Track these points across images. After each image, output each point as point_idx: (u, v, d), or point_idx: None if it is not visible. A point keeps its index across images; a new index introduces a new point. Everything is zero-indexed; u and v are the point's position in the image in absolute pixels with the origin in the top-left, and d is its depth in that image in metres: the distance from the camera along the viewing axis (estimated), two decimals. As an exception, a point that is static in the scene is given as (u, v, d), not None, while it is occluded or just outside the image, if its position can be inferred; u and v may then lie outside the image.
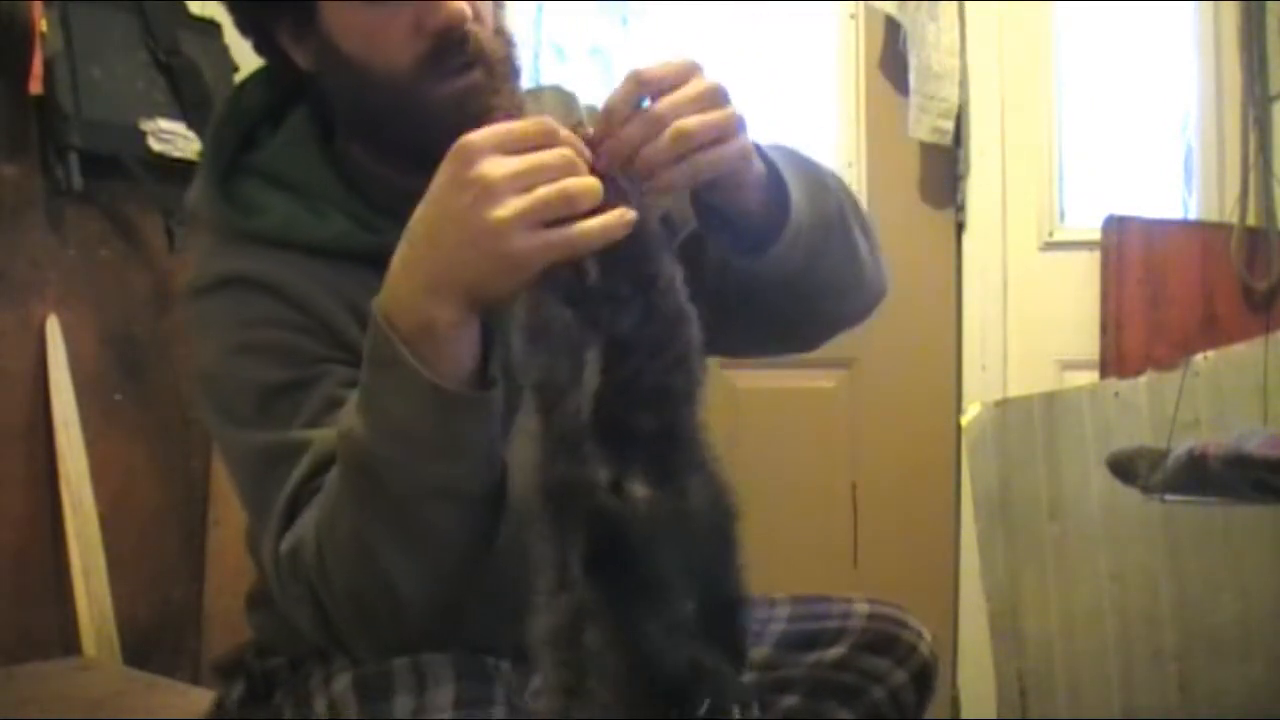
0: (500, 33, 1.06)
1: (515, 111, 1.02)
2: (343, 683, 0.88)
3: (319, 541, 0.90)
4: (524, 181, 0.80)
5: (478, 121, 0.96)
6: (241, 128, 1.11)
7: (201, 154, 1.14)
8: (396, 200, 1.04)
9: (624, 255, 0.81)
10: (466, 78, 1.01)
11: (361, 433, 0.87)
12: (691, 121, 0.84)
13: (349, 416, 0.89)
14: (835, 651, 1.17)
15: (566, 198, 0.79)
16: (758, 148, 0.94)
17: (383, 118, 1.04)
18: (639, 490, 0.81)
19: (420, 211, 0.85)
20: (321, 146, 1.09)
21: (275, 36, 1.07)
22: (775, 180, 0.95)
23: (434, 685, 0.86)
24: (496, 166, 0.80)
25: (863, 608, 1.20)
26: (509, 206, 0.79)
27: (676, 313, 0.83)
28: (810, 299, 1.04)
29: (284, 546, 0.92)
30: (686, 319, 0.84)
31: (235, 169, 1.09)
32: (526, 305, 0.82)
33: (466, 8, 1.01)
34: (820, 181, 1.03)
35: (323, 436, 0.94)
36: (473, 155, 0.81)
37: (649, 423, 0.82)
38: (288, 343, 1.00)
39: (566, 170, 0.81)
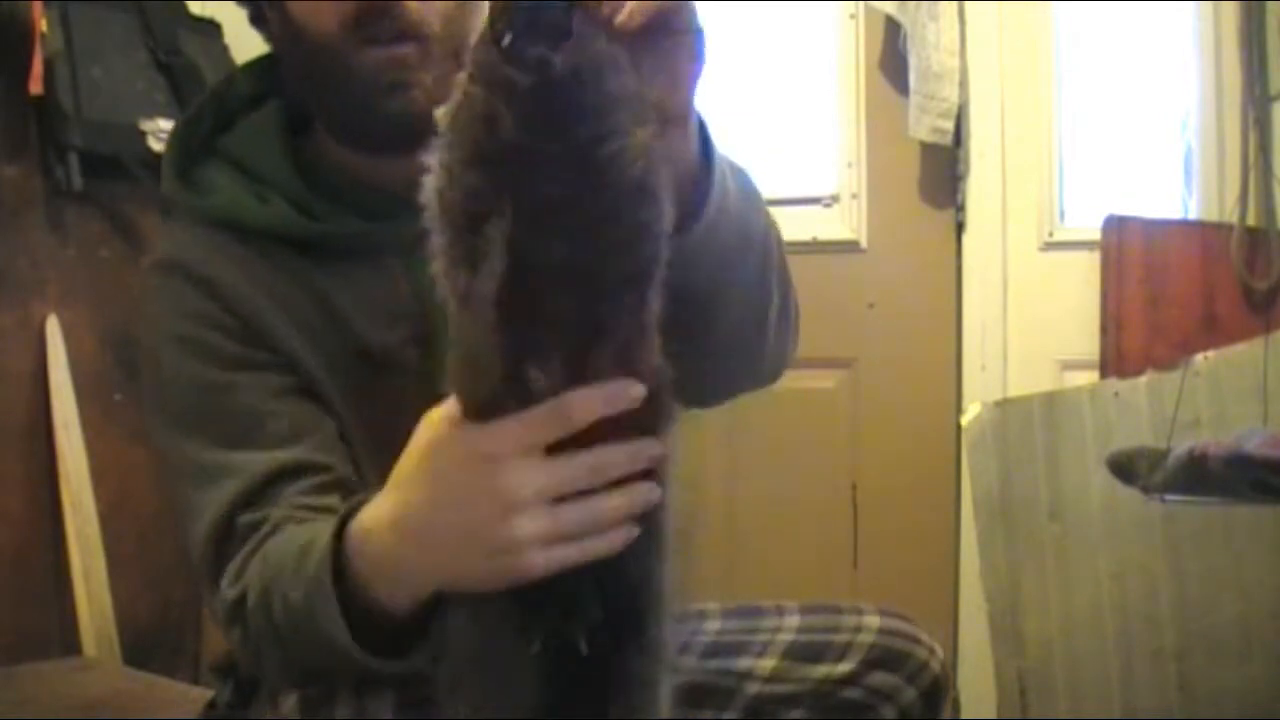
0: (453, 19, 1.02)
1: (439, 97, 1.00)
2: (289, 702, 0.89)
3: (260, 618, 0.89)
4: (552, 496, 0.73)
5: (397, 98, 0.98)
6: (224, 112, 1.11)
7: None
8: (343, 187, 1.05)
9: (562, 104, 0.67)
10: (392, 50, 0.99)
11: (298, 603, 0.85)
12: None
13: (294, 570, 0.86)
14: (844, 667, 1.14)
15: (594, 519, 0.73)
16: (704, 133, 0.84)
17: (314, 84, 1.04)
18: (539, 382, 0.70)
19: (427, 496, 0.77)
20: (284, 134, 1.08)
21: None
22: (707, 173, 0.84)
23: (374, 696, 0.86)
24: (524, 482, 0.72)
25: (873, 620, 1.17)
26: (534, 524, 0.72)
27: (630, 186, 0.68)
28: (713, 332, 0.89)
29: (228, 592, 0.92)
30: (644, 199, 0.69)
31: (209, 151, 1.09)
32: (435, 175, 0.72)
33: None
34: (753, 203, 0.93)
35: (244, 465, 0.95)
36: (495, 461, 0.72)
37: (567, 311, 0.69)
38: (214, 344, 1.00)
39: (594, 479, 0.73)
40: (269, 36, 1.10)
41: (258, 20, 1.10)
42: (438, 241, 0.71)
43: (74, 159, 2.14)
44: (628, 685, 0.77)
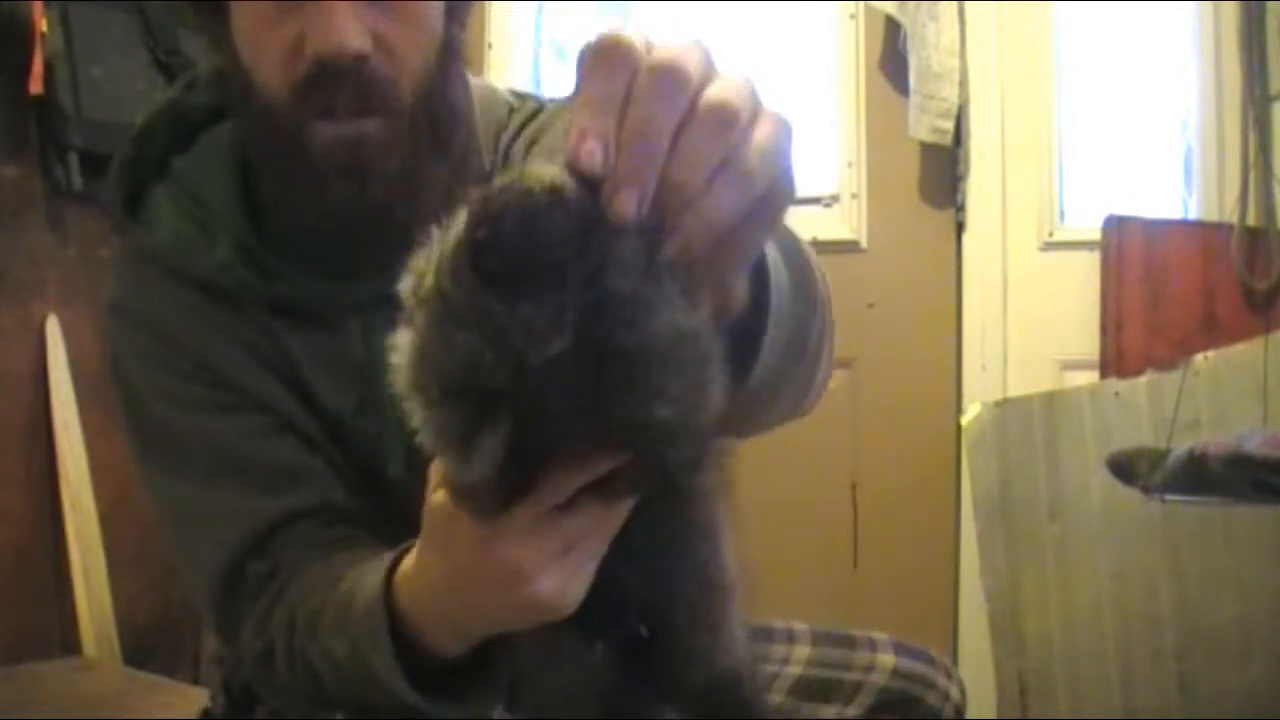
0: (431, 86, 0.85)
1: (407, 183, 0.83)
2: None
3: (296, 670, 0.85)
4: (561, 550, 0.65)
5: (352, 184, 0.82)
6: (182, 125, 0.98)
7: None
8: (297, 235, 0.91)
9: (584, 373, 0.50)
10: (354, 125, 0.82)
11: (343, 654, 0.79)
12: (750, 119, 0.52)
13: (336, 622, 0.80)
14: (852, 711, 1.07)
15: (604, 540, 0.66)
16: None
17: (262, 146, 0.88)
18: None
19: (445, 567, 0.70)
20: (236, 161, 0.94)
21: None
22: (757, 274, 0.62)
23: None
24: (531, 553, 0.64)
25: (888, 660, 1.10)
26: (550, 581, 0.65)
27: (678, 432, 0.53)
28: (755, 422, 0.77)
29: (253, 644, 0.87)
30: (699, 431, 0.53)
31: (162, 171, 0.96)
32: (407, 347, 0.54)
33: (357, 39, 0.80)
34: (807, 294, 0.72)
35: (247, 511, 0.88)
36: (498, 540, 0.64)
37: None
38: (179, 390, 0.91)
39: (601, 530, 0.65)
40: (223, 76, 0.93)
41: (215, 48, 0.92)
42: (413, 409, 0.54)
43: (74, 159, 2.15)
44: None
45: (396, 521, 0.75)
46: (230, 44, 0.86)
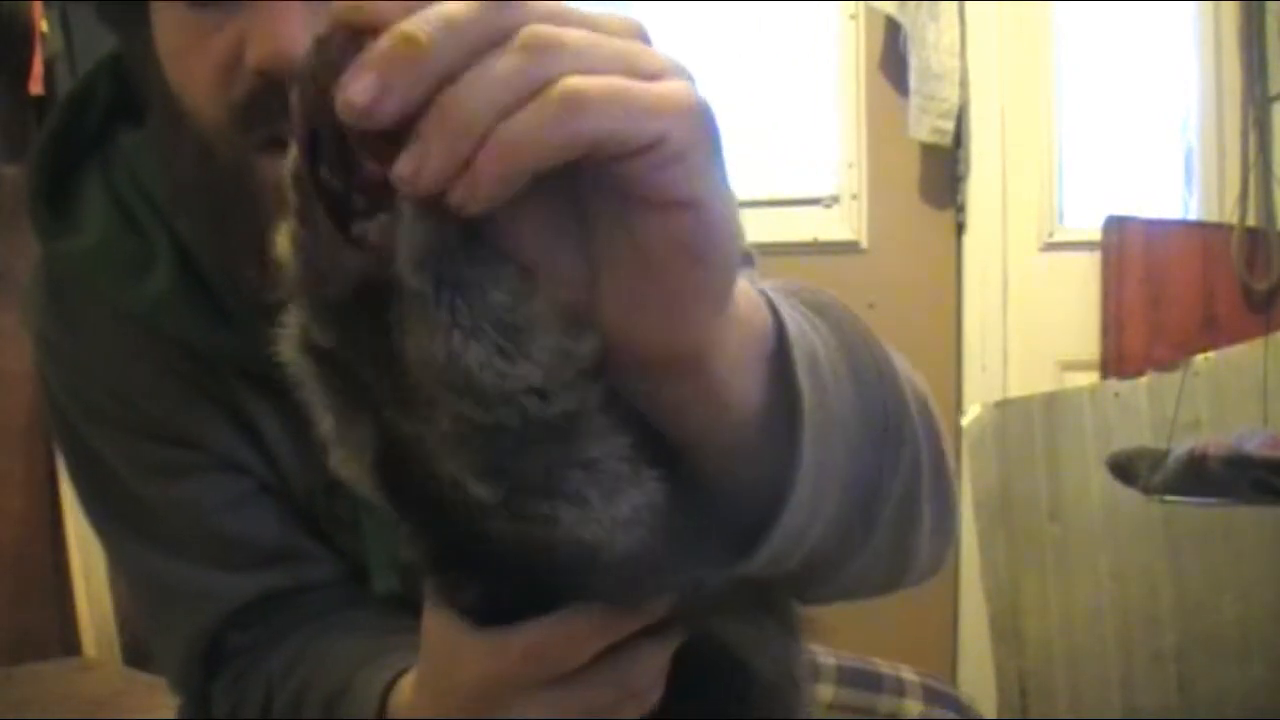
0: None
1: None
2: None
3: None
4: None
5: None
6: (127, 90, 0.78)
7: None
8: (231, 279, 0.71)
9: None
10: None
11: None
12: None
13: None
14: None
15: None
16: (775, 313, 0.47)
17: (191, 187, 0.68)
18: None
19: (444, 708, 0.60)
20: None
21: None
22: (785, 388, 0.45)
23: None
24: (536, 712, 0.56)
25: (915, 707, 0.97)
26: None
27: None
28: (828, 589, 0.58)
29: (219, 704, 0.79)
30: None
31: (103, 150, 0.77)
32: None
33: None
34: (898, 425, 0.53)
35: (229, 590, 0.77)
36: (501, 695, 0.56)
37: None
38: (131, 450, 0.77)
39: (620, 689, 0.56)
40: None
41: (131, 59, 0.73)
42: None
43: (74, 159, 2.15)
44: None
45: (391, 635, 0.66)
46: (153, 57, 0.67)
